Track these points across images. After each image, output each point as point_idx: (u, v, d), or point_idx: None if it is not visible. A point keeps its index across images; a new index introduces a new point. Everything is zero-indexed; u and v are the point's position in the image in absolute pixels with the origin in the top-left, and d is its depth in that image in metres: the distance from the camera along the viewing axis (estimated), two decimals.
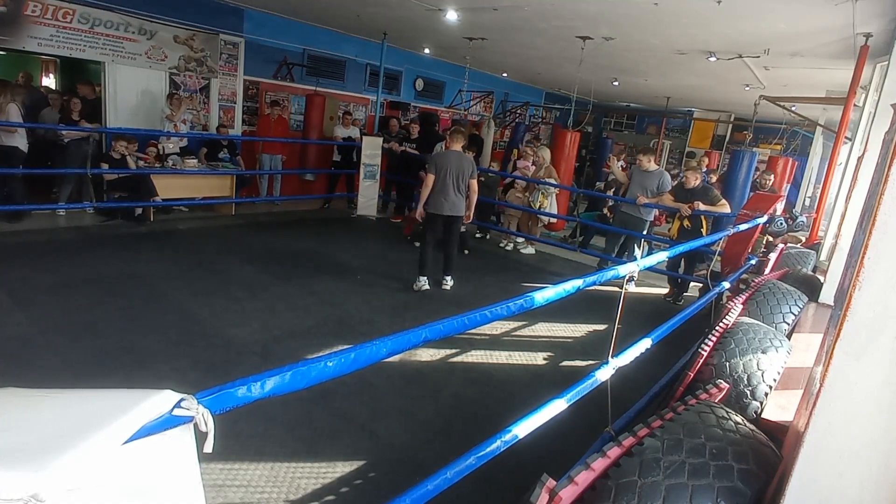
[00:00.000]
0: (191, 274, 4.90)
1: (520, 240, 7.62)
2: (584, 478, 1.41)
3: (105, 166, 6.28)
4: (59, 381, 2.91)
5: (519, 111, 13.30)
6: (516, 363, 3.94)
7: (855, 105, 5.27)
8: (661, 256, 2.98)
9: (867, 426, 1.09)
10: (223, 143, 7.56)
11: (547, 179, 7.25)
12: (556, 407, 1.96)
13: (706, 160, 10.46)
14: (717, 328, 2.49)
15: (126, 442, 0.79)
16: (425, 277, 5.18)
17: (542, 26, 6.48)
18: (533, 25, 6.51)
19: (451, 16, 6.45)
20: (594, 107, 9.52)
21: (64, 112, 6.48)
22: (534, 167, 7.58)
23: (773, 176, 7.42)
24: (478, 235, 7.98)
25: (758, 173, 7.39)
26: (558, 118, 15.44)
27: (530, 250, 7.57)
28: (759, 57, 6.45)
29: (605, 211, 7.69)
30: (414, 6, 6.22)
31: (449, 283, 5.34)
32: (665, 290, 6.22)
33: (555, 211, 7.48)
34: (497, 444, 1.71)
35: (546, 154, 7.58)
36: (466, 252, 6.77)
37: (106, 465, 0.75)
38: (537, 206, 7.30)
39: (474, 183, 5.14)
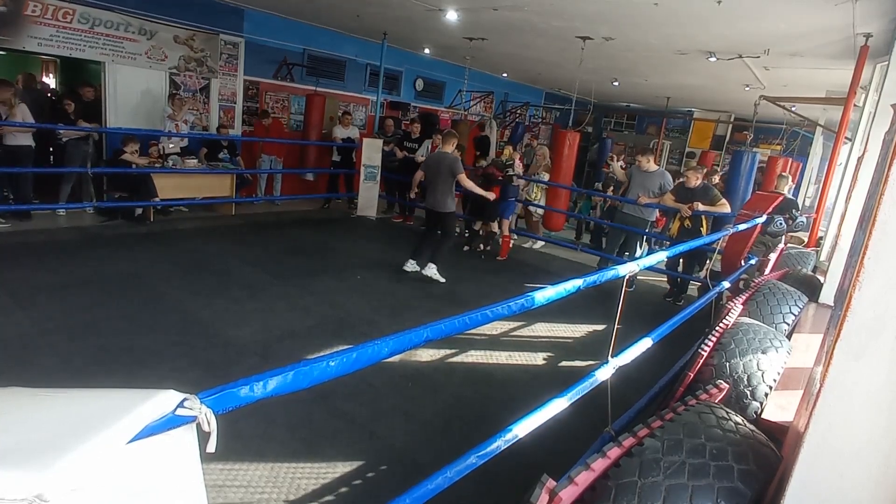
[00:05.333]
0: (191, 274, 4.90)
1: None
2: (584, 478, 1.41)
3: (131, 164, 6.32)
4: (59, 381, 2.90)
5: (519, 111, 13.30)
6: (516, 363, 3.94)
7: (855, 105, 5.27)
8: (660, 256, 2.98)
9: (867, 426, 1.09)
10: (223, 143, 7.56)
11: (540, 172, 7.46)
12: (557, 407, 1.96)
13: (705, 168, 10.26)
14: (717, 328, 2.49)
15: (129, 442, 0.79)
16: (412, 261, 5.57)
17: (542, 26, 6.47)
18: (533, 25, 6.51)
19: (451, 16, 6.45)
20: (594, 107, 9.51)
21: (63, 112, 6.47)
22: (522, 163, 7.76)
23: None
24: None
25: None
26: (558, 118, 15.44)
27: (537, 244, 7.66)
28: (759, 57, 6.45)
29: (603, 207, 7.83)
30: (414, 6, 6.22)
31: (429, 270, 5.53)
32: (665, 289, 6.23)
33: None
34: (497, 444, 1.71)
35: (544, 151, 7.82)
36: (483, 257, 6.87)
37: (109, 465, 0.75)
38: (531, 199, 7.43)
39: (462, 178, 5.47)
